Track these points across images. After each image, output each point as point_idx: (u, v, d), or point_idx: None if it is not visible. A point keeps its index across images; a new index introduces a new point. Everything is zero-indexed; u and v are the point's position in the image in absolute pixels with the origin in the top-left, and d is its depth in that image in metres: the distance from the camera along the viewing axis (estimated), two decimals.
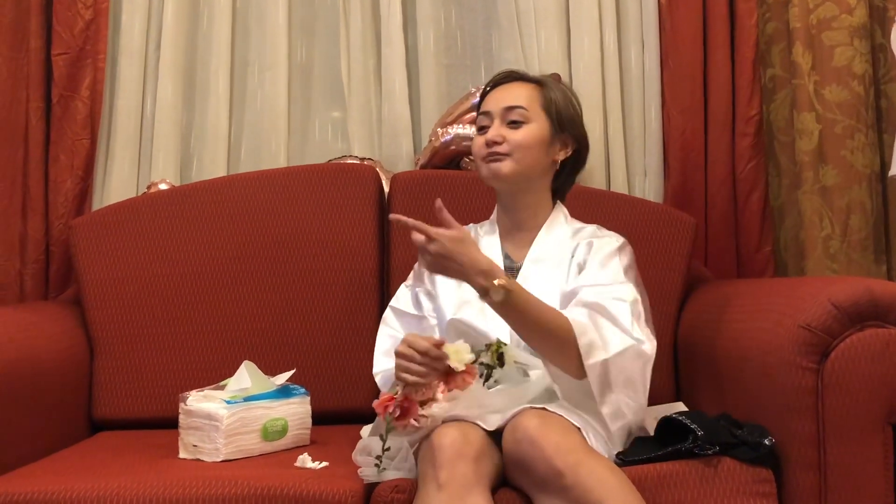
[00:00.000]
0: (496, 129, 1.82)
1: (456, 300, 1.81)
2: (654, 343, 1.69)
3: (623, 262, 1.79)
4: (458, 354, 1.58)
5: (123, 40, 2.47)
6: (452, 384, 1.58)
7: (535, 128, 1.82)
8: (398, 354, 1.58)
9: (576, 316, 1.64)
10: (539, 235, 1.85)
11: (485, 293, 1.58)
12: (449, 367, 1.57)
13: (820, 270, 2.31)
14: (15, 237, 2.33)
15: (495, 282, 1.56)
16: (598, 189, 2.40)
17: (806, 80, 2.34)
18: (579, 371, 1.61)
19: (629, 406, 1.64)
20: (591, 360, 1.59)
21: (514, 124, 1.81)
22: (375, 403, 1.59)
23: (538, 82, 1.88)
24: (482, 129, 1.85)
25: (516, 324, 1.63)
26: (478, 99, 2.00)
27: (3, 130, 2.31)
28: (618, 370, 1.62)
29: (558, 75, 2.39)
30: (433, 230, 1.56)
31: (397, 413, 1.56)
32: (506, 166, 1.80)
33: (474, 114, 2.06)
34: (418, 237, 1.57)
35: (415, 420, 1.55)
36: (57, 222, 2.33)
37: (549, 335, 1.61)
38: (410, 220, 1.57)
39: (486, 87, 1.93)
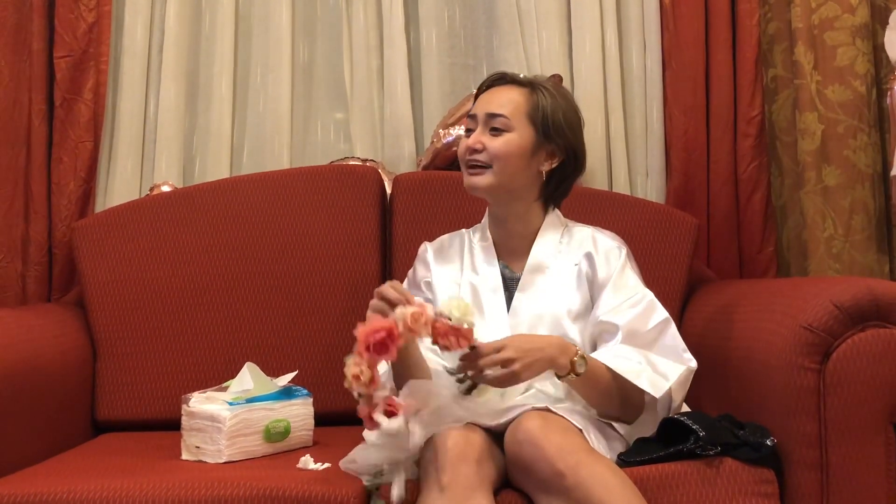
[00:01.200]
0: (477, 136, 1.78)
1: None
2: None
3: (635, 271, 1.80)
4: (461, 309, 1.54)
5: (126, 42, 2.47)
6: (442, 340, 1.54)
7: (516, 137, 1.77)
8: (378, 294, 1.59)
9: (627, 363, 1.66)
10: (536, 244, 1.83)
11: (567, 370, 1.60)
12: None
13: (823, 270, 2.31)
14: (17, 239, 2.33)
15: (576, 355, 1.60)
16: (599, 189, 2.40)
17: (808, 79, 2.33)
18: (635, 415, 1.69)
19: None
20: (660, 392, 1.63)
21: (496, 132, 1.78)
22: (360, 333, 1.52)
23: (531, 86, 1.82)
24: (468, 132, 1.82)
25: (591, 389, 1.64)
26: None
27: (5, 133, 2.32)
28: (678, 395, 1.69)
29: (560, 76, 2.39)
30: (494, 344, 1.57)
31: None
32: (483, 180, 1.77)
33: None
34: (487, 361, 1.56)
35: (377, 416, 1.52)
36: (60, 224, 2.34)
37: (616, 388, 1.65)
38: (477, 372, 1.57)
39: (479, 88, 1.88)
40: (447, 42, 2.58)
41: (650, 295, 1.76)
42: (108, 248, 2.21)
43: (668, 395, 1.65)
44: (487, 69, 2.54)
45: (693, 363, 1.70)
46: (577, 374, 1.60)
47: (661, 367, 1.66)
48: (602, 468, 1.46)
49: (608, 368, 1.64)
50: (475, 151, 1.78)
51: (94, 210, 2.40)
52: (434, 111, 2.52)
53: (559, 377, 1.61)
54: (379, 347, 1.48)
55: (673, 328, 1.73)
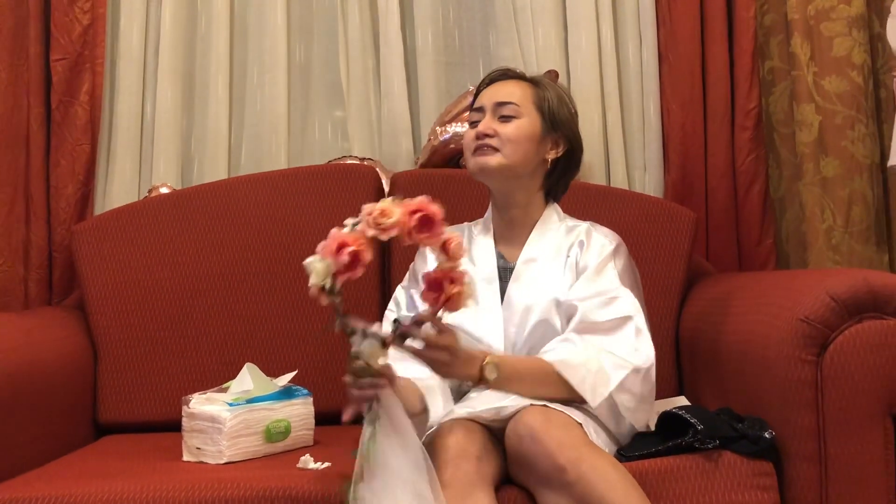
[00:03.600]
0: (487, 122, 1.81)
1: None
2: (651, 349, 1.69)
3: (618, 267, 1.78)
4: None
5: (122, 45, 2.48)
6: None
7: (527, 122, 1.81)
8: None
9: (569, 355, 1.64)
10: (532, 235, 1.84)
11: (476, 378, 1.58)
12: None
13: (822, 262, 2.31)
14: (19, 243, 2.34)
15: (484, 362, 1.57)
16: (598, 185, 2.40)
17: (805, 71, 2.33)
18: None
19: (641, 419, 1.69)
20: (597, 401, 1.61)
21: (506, 119, 1.80)
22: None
23: (532, 81, 1.87)
24: (474, 124, 1.84)
25: (515, 390, 1.61)
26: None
27: (5, 136, 2.32)
28: (624, 397, 1.64)
29: (556, 72, 2.39)
30: (450, 330, 1.53)
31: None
32: (493, 160, 1.78)
33: None
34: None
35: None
36: (59, 228, 2.35)
37: (548, 387, 1.62)
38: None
39: (480, 84, 1.92)
40: (443, 41, 2.58)
41: (622, 291, 1.73)
42: (108, 251, 2.22)
43: (610, 399, 1.62)
44: (484, 67, 2.55)
45: (639, 362, 1.65)
46: (488, 381, 1.58)
47: (607, 368, 1.63)
48: (603, 462, 1.46)
49: (542, 371, 1.63)
50: (486, 136, 1.80)
51: (93, 213, 2.40)
52: (430, 109, 2.53)
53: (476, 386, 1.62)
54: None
55: (630, 326, 1.69)
